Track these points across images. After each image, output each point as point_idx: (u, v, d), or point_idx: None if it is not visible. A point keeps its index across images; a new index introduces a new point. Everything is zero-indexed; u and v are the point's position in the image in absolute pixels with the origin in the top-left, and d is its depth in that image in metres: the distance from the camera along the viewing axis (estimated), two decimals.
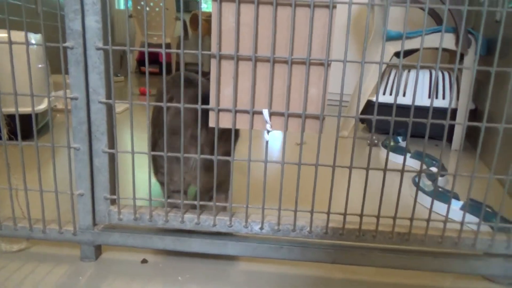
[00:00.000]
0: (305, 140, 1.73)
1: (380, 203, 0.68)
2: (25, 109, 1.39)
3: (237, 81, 0.65)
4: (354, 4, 0.59)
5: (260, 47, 0.64)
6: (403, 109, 1.81)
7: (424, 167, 1.36)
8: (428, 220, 0.68)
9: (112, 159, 0.72)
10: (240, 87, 0.66)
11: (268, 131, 0.66)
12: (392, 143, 1.64)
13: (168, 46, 4.33)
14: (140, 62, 4.37)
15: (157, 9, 3.93)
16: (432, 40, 1.71)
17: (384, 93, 1.91)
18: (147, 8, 4.10)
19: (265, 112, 0.66)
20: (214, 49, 0.64)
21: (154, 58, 4.39)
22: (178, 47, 4.43)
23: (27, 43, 0.66)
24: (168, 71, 4.42)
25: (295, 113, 0.66)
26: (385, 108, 1.83)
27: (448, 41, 1.69)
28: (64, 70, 0.66)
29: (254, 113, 0.66)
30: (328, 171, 0.65)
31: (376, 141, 1.74)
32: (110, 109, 0.69)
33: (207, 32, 4.51)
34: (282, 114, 0.66)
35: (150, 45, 4.37)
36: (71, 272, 0.72)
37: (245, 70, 0.65)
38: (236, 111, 0.66)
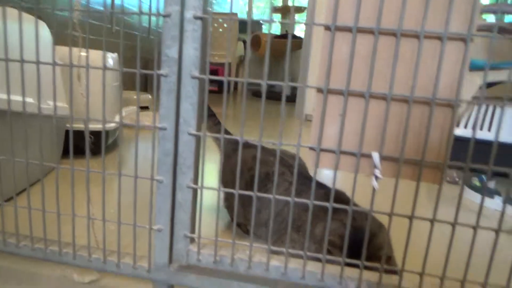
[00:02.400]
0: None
1: (488, 270, 0.56)
2: (97, 126, 1.41)
3: (345, 119, 0.57)
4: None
5: (374, 82, 0.56)
6: (488, 146, 1.64)
7: None
8: None
9: (195, 195, 0.66)
10: (347, 125, 0.58)
11: (377, 178, 0.57)
12: (477, 183, 1.48)
13: (228, 65, 4.39)
14: None
15: (220, 29, 4.00)
16: None
17: (465, 127, 1.74)
18: (210, 29, 4.19)
19: (375, 156, 0.57)
20: (321, 82, 0.57)
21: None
22: (238, 67, 4.46)
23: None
24: (227, 90, 4.47)
25: (410, 159, 0.56)
26: (467, 143, 1.67)
27: None
28: (157, 97, 0.62)
29: (362, 156, 0.58)
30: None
31: (457, 179, 1.58)
32: (199, 141, 0.64)
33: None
34: (394, 159, 0.57)
35: (211, 63, 4.44)
36: None
37: (354, 108, 0.57)
38: (340, 152, 0.58)
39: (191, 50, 0.60)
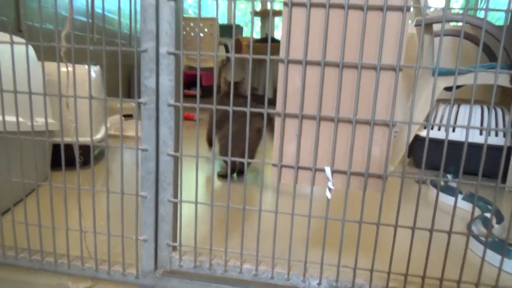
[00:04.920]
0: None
1: (444, 265, 0.66)
2: (85, 139, 1.48)
3: (300, 139, 0.67)
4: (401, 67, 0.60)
5: (324, 106, 0.65)
6: (453, 145, 1.76)
7: (479, 212, 1.31)
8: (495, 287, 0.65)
9: (176, 208, 0.75)
10: (303, 144, 0.67)
11: (330, 189, 0.67)
12: (442, 182, 1.60)
13: (211, 70, 4.47)
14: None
15: (201, 34, 4.08)
16: (485, 77, 1.66)
17: (432, 128, 1.86)
18: (192, 34, 4.27)
19: (328, 170, 0.66)
20: (279, 107, 0.66)
21: (195, 81, 4.53)
22: (220, 71, 4.55)
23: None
24: (209, 94, 4.54)
25: (357, 172, 0.66)
26: (433, 143, 1.79)
27: (502, 78, 1.64)
28: (137, 125, 0.70)
29: (316, 170, 0.67)
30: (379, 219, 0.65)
31: (424, 178, 1.69)
32: (177, 161, 0.73)
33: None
34: (344, 173, 0.67)
35: (194, 69, 4.52)
36: None
37: (309, 129, 0.67)
38: (298, 168, 0.68)
39: (167, 81, 0.68)
